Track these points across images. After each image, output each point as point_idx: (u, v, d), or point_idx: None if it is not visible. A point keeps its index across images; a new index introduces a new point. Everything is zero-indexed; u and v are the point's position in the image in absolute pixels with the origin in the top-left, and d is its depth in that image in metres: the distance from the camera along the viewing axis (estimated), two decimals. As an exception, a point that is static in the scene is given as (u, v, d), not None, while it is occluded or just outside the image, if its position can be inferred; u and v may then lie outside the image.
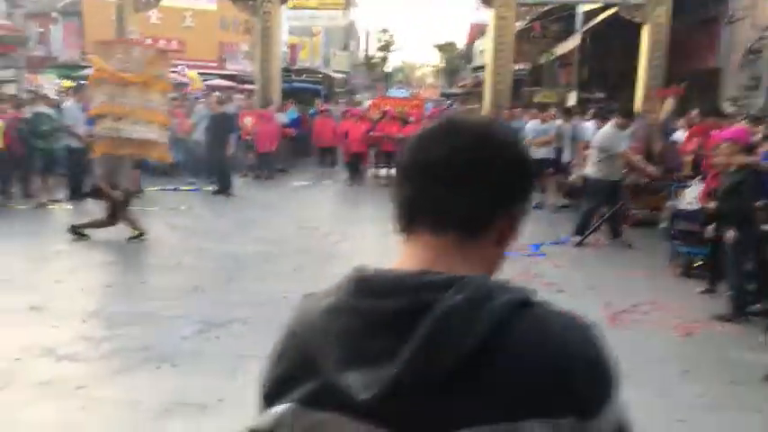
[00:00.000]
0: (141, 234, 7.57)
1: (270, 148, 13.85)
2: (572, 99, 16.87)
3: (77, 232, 7.58)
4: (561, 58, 18.29)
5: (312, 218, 9.53)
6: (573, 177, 9.64)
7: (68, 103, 10.87)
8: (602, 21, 15.48)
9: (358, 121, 14.02)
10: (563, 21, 19.08)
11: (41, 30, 31.91)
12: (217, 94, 15.40)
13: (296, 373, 0.83)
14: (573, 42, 16.46)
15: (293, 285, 5.99)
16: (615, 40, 16.60)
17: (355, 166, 13.84)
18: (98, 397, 3.66)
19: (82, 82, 13.86)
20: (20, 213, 9.41)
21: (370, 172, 14.79)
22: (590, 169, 8.26)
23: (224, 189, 11.58)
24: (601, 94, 16.47)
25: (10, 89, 17.01)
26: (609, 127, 8.24)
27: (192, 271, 6.48)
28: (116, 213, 7.61)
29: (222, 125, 11.93)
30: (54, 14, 31.44)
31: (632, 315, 5.41)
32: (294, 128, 15.78)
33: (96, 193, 8.01)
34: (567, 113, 11.26)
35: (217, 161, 11.90)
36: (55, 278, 6.02)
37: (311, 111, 17.23)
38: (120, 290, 5.77)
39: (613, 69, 17.23)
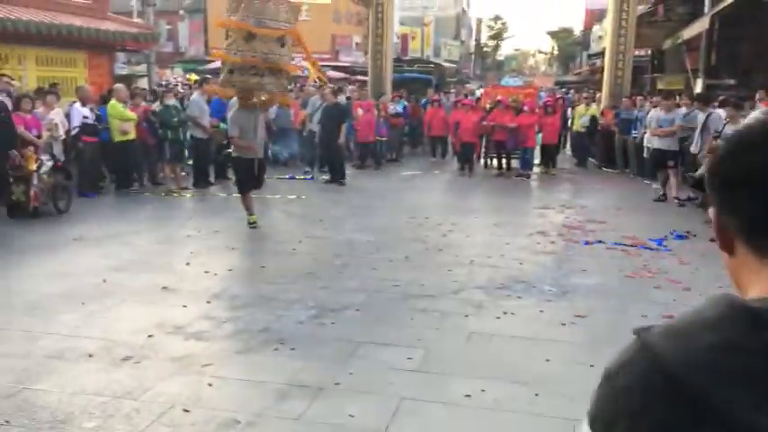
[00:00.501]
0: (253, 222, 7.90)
1: (369, 139, 14.01)
2: (699, 86, 15.82)
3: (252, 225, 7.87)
4: (687, 43, 17.17)
5: (423, 207, 9.55)
6: (700, 171, 9.01)
7: (194, 96, 11.49)
8: (733, 2, 14.37)
9: (469, 111, 13.87)
10: (689, 3, 17.91)
11: (170, 27, 33.94)
12: (330, 85, 15.75)
13: (680, 421, 0.71)
14: (700, 26, 15.39)
15: (404, 274, 6.05)
16: (747, 22, 15.38)
17: (466, 156, 13.72)
18: (223, 375, 3.85)
19: (207, 76, 14.60)
20: (150, 200, 10.08)
21: (482, 162, 14.64)
22: None
23: (336, 178, 11.89)
24: (731, 81, 15.33)
25: (142, 83, 18.25)
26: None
27: (308, 257, 6.69)
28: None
29: (335, 116, 12.21)
30: (181, 12, 33.32)
31: None
32: (403, 118, 15.89)
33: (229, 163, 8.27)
34: (703, 101, 10.36)
35: (330, 151, 12.20)
36: (184, 261, 6.41)
37: (423, 101, 17.25)
38: (241, 274, 6.05)
39: (745, 54, 15.98)
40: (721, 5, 14.95)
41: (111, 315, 4.88)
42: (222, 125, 11.30)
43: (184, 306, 5.08)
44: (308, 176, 12.53)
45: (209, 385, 3.71)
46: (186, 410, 3.41)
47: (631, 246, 7.30)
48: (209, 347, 4.28)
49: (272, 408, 3.46)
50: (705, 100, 10.31)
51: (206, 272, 6.04)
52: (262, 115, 7.97)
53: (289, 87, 7.83)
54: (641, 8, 16.95)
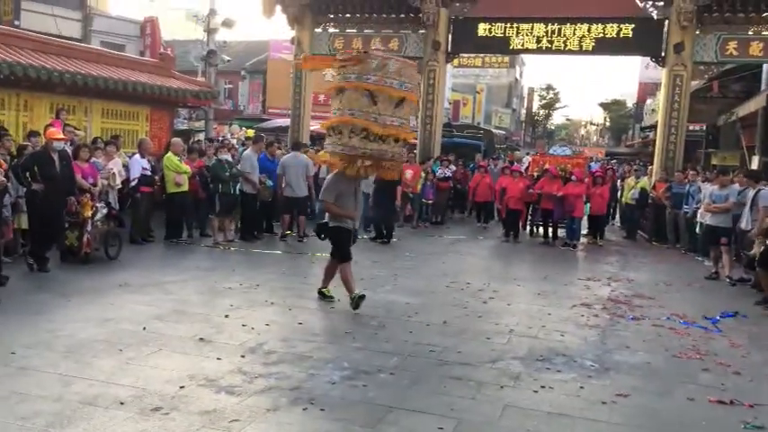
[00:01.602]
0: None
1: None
2: (755, 163, 15.48)
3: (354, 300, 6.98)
4: (742, 120, 16.93)
5: (464, 272, 9.45)
6: (755, 250, 8.67)
7: (247, 152, 11.82)
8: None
9: (517, 178, 13.85)
10: (745, 80, 17.75)
11: (230, 86, 35.34)
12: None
13: None
14: (756, 103, 15.20)
15: (441, 339, 5.95)
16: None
17: (512, 223, 13.62)
18: None
19: (261, 134, 15.04)
20: (196, 251, 10.28)
21: (527, 230, 14.50)
22: None
23: (384, 237, 11.98)
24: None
25: (200, 138, 18.92)
26: None
27: (346, 316, 6.65)
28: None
29: (389, 184, 12.39)
30: (242, 73, 34.70)
31: (826, 410, 4.71)
32: (451, 182, 15.98)
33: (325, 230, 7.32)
34: (754, 178, 10.09)
35: (383, 211, 12.34)
36: (223, 313, 6.46)
37: (470, 165, 17.33)
38: (278, 329, 6.04)
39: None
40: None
41: (147, 363, 4.92)
42: (269, 182, 11.58)
43: (218, 359, 5.08)
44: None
45: (235, 442, 3.67)
46: (209, 466, 3.37)
47: (682, 323, 7.03)
48: (239, 403, 4.25)
49: (296, 470, 3.39)
50: (756, 177, 10.07)
51: (243, 325, 6.07)
52: (362, 183, 7.55)
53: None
54: (695, 83, 16.86)
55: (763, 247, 8.32)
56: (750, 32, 14.51)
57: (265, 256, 10.17)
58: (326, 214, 7.27)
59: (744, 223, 9.42)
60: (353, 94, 6.72)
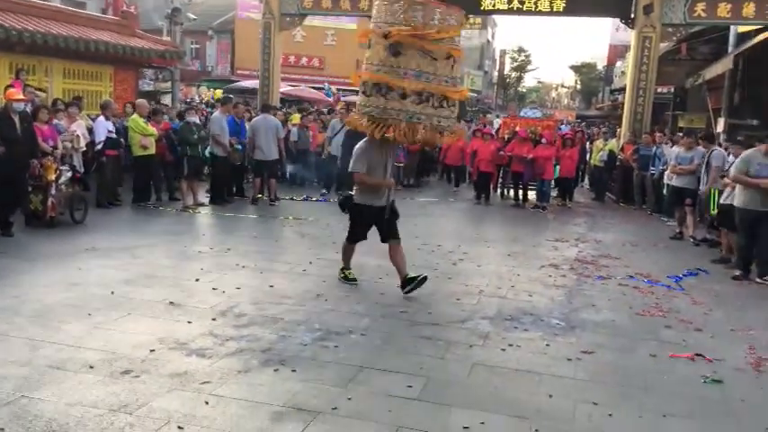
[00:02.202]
0: None
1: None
2: (720, 125, 15.72)
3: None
4: (710, 82, 17.10)
5: (435, 235, 9.51)
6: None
7: (215, 114, 11.62)
8: (758, 43, 14.32)
9: (488, 141, 13.88)
10: (713, 42, 17.88)
11: (197, 46, 34.53)
12: (344, 110, 15.86)
13: None
14: (724, 65, 15.34)
15: (412, 301, 6.01)
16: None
17: (483, 186, 13.70)
18: (220, 394, 3.83)
19: (230, 96, 14.78)
20: (165, 215, 10.16)
21: (498, 192, 14.61)
22: (736, 198, 7.77)
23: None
24: (754, 121, 15.21)
25: (166, 100, 18.54)
26: (752, 150, 7.76)
27: (317, 279, 6.67)
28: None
29: (359, 139, 12.30)
30: (209, 32, 33.89)
31: (781, 364, 4.90)
32: (419, 144, 15.94)
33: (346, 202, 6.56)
34: (707, 139, 10.38)
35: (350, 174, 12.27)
36: (193, 276, 6.42)
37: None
38: (249, 292, 6.04)
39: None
40: (745, 46, 14.91)
41: (117, 327, 4.88)
42: (238, 145, 11.43)
43: (189, 322, 5.07)
44: (323, 198, 12.58)
45: (206, 403, 3.69)
46: (180, 427, 3.38)
47: (646, 282, 7.20)
48: (209, 365, 4.26)
49: (267, 430, 3.43)
50: (710, 139, 10.34)
51: (214, 289, 6.05)
52: (393, 152, 6.49)
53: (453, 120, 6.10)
54: (664, 46, 16.93)
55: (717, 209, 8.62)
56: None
57: (236, 219, 10.10)
58: (354, 187, 6.43)
59: (702, 185, 9.65)
60: (393, 48, 5.71)
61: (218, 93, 20.44)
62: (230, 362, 4.33)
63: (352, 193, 6.46)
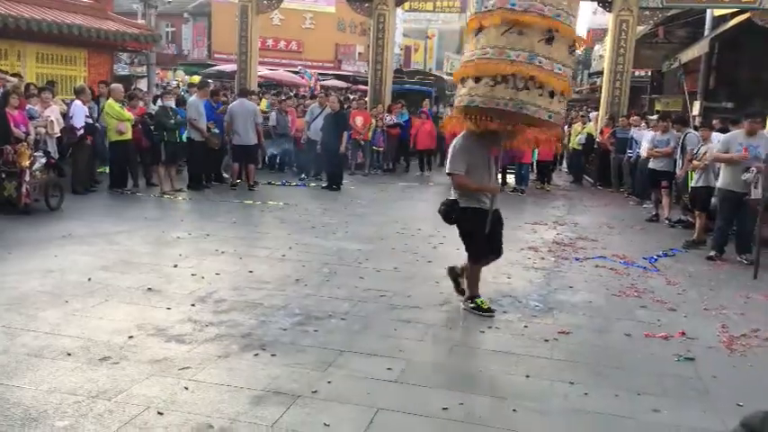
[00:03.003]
0: None
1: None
2: (696, 108, 15.90)
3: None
4: (686, 66, 17.26)
5: (415, 219, 9.54)
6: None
7: (192, 99, 11.50)
8: (734, 27, 14.48)
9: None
10: (690, 26, 18.03)
11: (173, 29, 34.04)
12: (323, 94, 15.79)
13: None
14: (699, 49, 15.49)
15: (392, 285, 6.04)
16: (747, 47, 15.49)
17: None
18: (200, 379, 3.82)
19: (207, 80, 14.63)
20: (142, 201, 10.07)
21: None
22: (720, 179, 7.92)
23: (333, 184, 11.96)
24: (729, 104, 15.42)
25: (142, 84, 18.29)
26: (734, 131, 7.94)
27: (296, 264, 6.67)
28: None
29: (338, 124, 12.32)
30: (185, 15, 33.43)
31: (752, 341, 5.01)
32: (398, 128, 15.92)
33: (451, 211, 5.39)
34: (681, 122, 10.48)
35: (331, 158, 12.27)
36: (172, 262, 6.39)
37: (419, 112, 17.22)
38: (229, 278, 6.02)
39: (744, 78, 16.07)
40: (721, 29, 15.06)
41: (94, 314, 4.85)
42: (215, 129, 11.34)
43: (168, 308, 5.05)
44: (302, 183, 12.55)
45: (186, 389, 3.69)
46: (160, 413, 3.38)
47: (623, 263, 7.30)
48: (189, 351, 4.25)
49: (247, 414, 3.44)
50: (683, 122, 10.46)
51: (193, 275, 6.02)
52: (496, 149, 5.52)
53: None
54: (641, 29, 17.03)
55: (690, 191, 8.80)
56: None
57: (215, 205, 10.04)
58: (453, 190, 5.41)
59: (678, 168, 9.78)
60: (495, 30, 4.85)
61: (195, 78, 20.16)
62: (210, 347, 4.33)
63: (454, 197, 5.36)
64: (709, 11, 16.01)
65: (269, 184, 12.22)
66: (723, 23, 15.33)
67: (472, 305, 5.32)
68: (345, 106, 15.41)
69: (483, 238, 5.30)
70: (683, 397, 3.99)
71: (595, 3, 15.56)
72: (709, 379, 4.28)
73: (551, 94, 4.84)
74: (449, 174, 5.31)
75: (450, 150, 5.36)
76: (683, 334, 5.06)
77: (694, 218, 9.11)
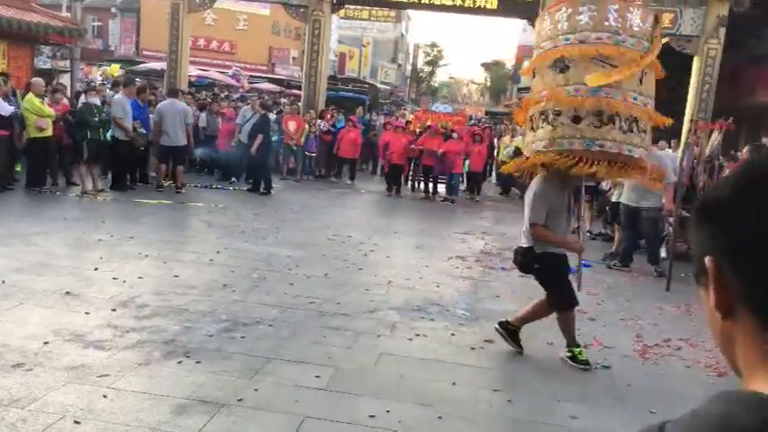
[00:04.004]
0: None
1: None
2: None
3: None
4: (609, 84, 18.04)
5: (347, 226, 9.55)
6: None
7: (117, 96, 11.12)
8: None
9: (400, 133, 14.02)
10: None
11: (100, 23, 32.87)
12: (256, 97, 15.61)
13: None
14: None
15: (321, 291, 6.02)
16: (663, 70, 16.31)
17: (394, 178, 13.85)
18: (120, 387, 3.70)
19: (132, 77, 14.19)
20: (64, 200, 9.66)
21: (409, 185, 14.81)
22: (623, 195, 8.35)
23: (258, 188, 11.83)
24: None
25: (64, 80, 17.56)
26: None
27: (225, 269, 6.54)
28: None
29: (254, 126, 12.20)
30: (113, 9, 32.35)
31: (663, 350, 5.27)
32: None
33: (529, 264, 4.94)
34: None
35: (253, 161, 12.13)
36: (92, 265, 6.15)
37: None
38: (153, 282, 5.85)
39: (659, 99, 16.91)
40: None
41: (7, 318, 4.61)
42: (141, 129, 11.00)
43: (86, 313, 4.86)
44: (232, 186, 12.35)
45: (104, 397, 3.56)
46: (77, 422, 3.25)
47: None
48: (108, 357, 4.10)
49: (169, 423, 3.35)
50: None
51: (114, 278, 5.82)
52: (576, 192, 5.10)
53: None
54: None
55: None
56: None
57: (140, 206, 9.74)
58: (526, 237, 4.82)
59: (604, 183, 10.19)
60: (582, 63, 4.45)
61: (113, 69, 19.44)
62: (131, 354, 4.19)
63: (527, 244, 4.83)
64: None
65: (197, 186, 11.96)
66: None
67: (568, 354, 4.79)
68: (276, 110, 15.28)
69: (567, 282, 4.88)
70: (600, 404, 4.16)
71: (525, 20, 16.03)
72: (624, 386, 4.47)
73: (631, 127, 4.48)
74: (527, 226, 4.75)
75: (526, 199, 4.87)
76: (600, 343, 5.27)
77: (614, 231, 9.51)
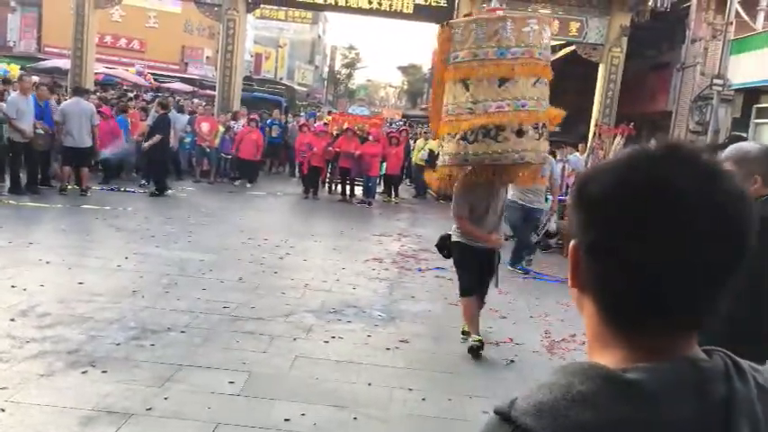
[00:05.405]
0: None
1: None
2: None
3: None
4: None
5: (263, 229, 9.42)
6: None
7: (12, 96, 10.49)
8: (561, 57, 15.91)
9: (320, 136, 13.96)
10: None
11: (-3, 17, 31.00)
12: (159, 96, 15.17)
13: None
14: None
15: (235, 296, 5.92)
16: (572, 76, 17.05)
17: (312, 180, 13.79)
18: (19, 400, 3.51)
19: (26, 74, 13.46)
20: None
21: (326, 187, 14.79)
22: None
23: (159, 190, 11.51)
24: (556, 128, 16.86)
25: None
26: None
27: (133, 275, 6.32)
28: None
29: (155, 126, 11.86)
30: (12, 3, 30.58)
31: (570, 345, 5.50)
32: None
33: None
34: None
35: (155, 162, 11.80)
36: (-14, 273, 5.80)
37: (268, 121, 17.05)
38: (55, 290, 5.57)
39: (569, 105, 17.66)
40: (552, 58, 16.46)
41: None
42: (39, 130, 10.43)
43: (-19, 324, 4.58)
44: (142, 190, 11.94)
45: (3, 411, 3.36)
46: (-31, 440, 3.06)
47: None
48: (7, 369, 3.88)
49: (73, 436, 3.21)
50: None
51: (13, 286, 5.50)
52: (502, 189, 5.38)
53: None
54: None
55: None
56: (529, 9, 15.88)
57: (41, 211, 9.24)
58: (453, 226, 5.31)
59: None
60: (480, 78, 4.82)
61: (15, 68, 18.40)
62: (31, 365, 3.98)
63: (450, 231, 5.33)
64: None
65: (104, 189, 11.49)
66: (552, 54, 16.79)
67: (474, 349, 5.01)
68: (188, 110, 14.91)
69: (470, 272, 5.20)
70: (509, 398, 4.29)
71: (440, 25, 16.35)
72: (533, 381, 4.61)
73: (518, 133, 4.79)
74: (454, 216, 5.19)
75: (454, 194, 5.21)
76: (512, 340, 5.45)
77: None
